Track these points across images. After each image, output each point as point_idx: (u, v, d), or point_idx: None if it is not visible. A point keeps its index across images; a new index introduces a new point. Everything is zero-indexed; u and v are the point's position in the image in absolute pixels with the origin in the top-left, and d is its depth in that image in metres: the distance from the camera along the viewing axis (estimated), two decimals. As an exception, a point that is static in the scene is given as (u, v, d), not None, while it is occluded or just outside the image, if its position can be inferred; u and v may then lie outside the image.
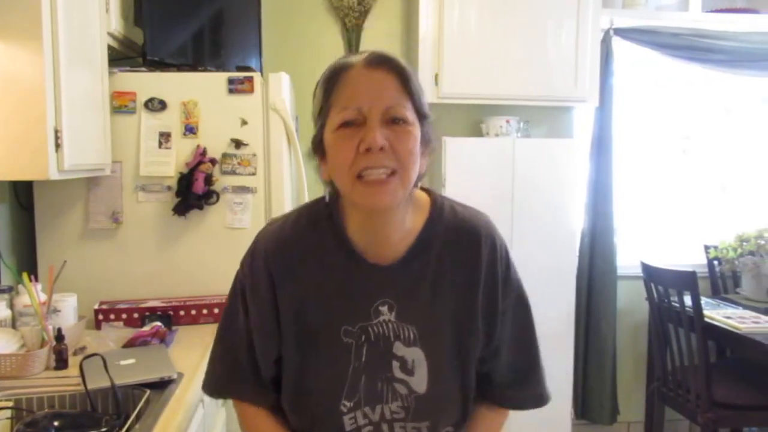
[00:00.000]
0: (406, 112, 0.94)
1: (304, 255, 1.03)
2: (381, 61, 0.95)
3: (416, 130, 0.95)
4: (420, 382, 1.03)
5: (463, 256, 1.04)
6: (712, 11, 3.28)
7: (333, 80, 0.96)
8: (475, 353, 1.06)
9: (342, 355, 1.02)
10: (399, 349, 1.02)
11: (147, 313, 2.02)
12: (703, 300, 2.80)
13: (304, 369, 1.05)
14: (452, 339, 1.04)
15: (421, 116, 0.97)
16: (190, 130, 2.15)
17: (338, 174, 0.96)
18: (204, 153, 2.13)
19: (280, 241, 1.04)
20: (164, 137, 2.14)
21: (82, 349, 1.77)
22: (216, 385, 1.13)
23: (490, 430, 1.17)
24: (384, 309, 1.02)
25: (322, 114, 0.97)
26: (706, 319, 2.70)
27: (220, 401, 1.95)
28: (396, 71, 0.95)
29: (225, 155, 2.17)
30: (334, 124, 0.94)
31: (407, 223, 1.03)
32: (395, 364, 1.02)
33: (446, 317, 1.04)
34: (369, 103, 0.92)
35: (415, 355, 1.02)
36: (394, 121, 0.93)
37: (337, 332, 1.02)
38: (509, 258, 1.10)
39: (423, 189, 1.07)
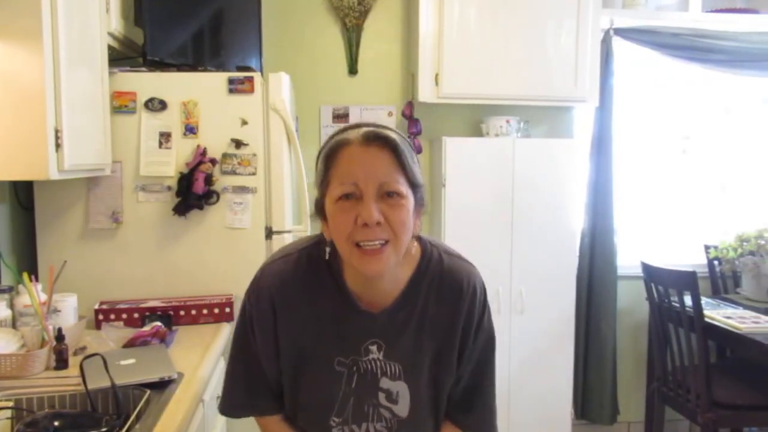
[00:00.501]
0: (400, 186, 1.03)
1: (305, 294, 1.15)
2: (376, 138, 1.03)
3: (409, 203, 1.05)
4: (403, 408, 1.18)
5: (445, 304, 1.17)
6: (712, 11, 3.28)
7: (332, 156, 1.05)
8: (448, 385, 1.21)
9: (334, 382, 1.16)
10: (385, 383, 1.17)
11: (147, 313, 2.02)
12: (704, 300, 2.80)
13: (299, 389, 1.18)
14: (430, 374, 1.19)
15: (414, 186, 1.06)
16: (190, 130, 2.15)
17: (338, 240, 1.06)
18: (204, 153, 2.13)
19: (284, 280, 1.16)
20: (164, 137, 2.14)
21: (83, 349, 1.77)
22: (236, 406, 1.23)
23: None
24: (373, 348, 1.16)
25: (323, 184, 1.07)
26: (707, 319, 2.70)
27: (220, 401, 1.95)
28: (390, 147, 1.03)
29: (225, 155, 2.17)
30: (333, 196, 1.04)
31: (398, 274, 1.14)
32: (381, 395, 1.17)
33: (427, 356, 1.17)
34: (365, 179, 1.01)
35: (400, 387, 1.17)
36: (388, 195, 1.02)
37: (331, 362, 1.16)
38: (486, 305, 1.22)
39: (416, 237, 1.15)
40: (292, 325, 1.15)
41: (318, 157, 1.10)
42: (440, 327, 1.17)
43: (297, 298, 1.15)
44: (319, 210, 1.10)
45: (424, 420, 1.21)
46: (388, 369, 1.16)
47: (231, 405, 1.23)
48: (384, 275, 1.09)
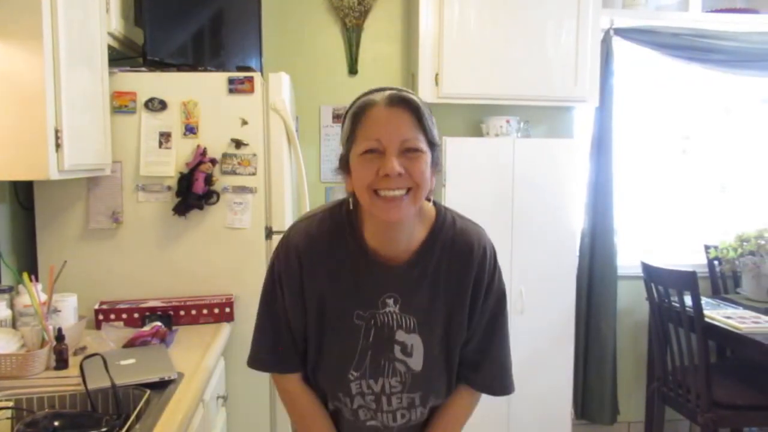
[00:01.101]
0: (420, 143, 1.13)
1: (328, 252, 1.24)
2: (399, 101, 1.14)
3: (427, 157, 1.15)
4: (417, 362, 1.26)
5: (457, 262, 1.25)
6: (712, 11, 3.28)
7: (359, 115, 1.15)
8: (459, 340, 1.28)
9: (353, 335, 1.24)
10: (400, 335, 1.24)
11: (147, 313, 2.02)
12: (704, 300, 2.80)
13: (322, 344, 1.26)
14: (443, 328, 1.26)
15: (432, 145, 1.17)
16: (190, 130, 2.15)
17: (360, 190, 1.15)
18: (204, 153, 2.13)
19: (309, 238, 1.24)
20: (164, 137, 2.14)
21: (83, 349, 1.77)
22: (261, 361, 1.31)
23: (459, 404, 1.35)
24: (390, 301, 1.23)
25: (349, 141, 1.17)
26: (707, 319, 2.70)
27: (220, 401, 1.95)
28: (411, 109, 1.13)
29: (225, 155, 2.17)
30: (358, 151, 1.13)
31: (415, 232, 1.23)
32: (397, 347, 1.25)
33: (440, 311, 1.25)
34: (388, 136, 1.11)
35: (414, 340, 1.25)
36: (408, 150, 1.12)
37: (351, 316, 1.23)
38: (496, 265, 1.29)
39: (431, 200, 1.26)
40: (317, 281, 1.23)
41: (345, 116, 1.20)
42: (452, 285, 1.24)
43: (322, 255, 1.23)
44: (344, 165, 1.19)
45: (436, 375, 1.28)
46: (404, 322, 1.24)
47: (257, 360, 1.31)
48: (403, 223, 1.18)
